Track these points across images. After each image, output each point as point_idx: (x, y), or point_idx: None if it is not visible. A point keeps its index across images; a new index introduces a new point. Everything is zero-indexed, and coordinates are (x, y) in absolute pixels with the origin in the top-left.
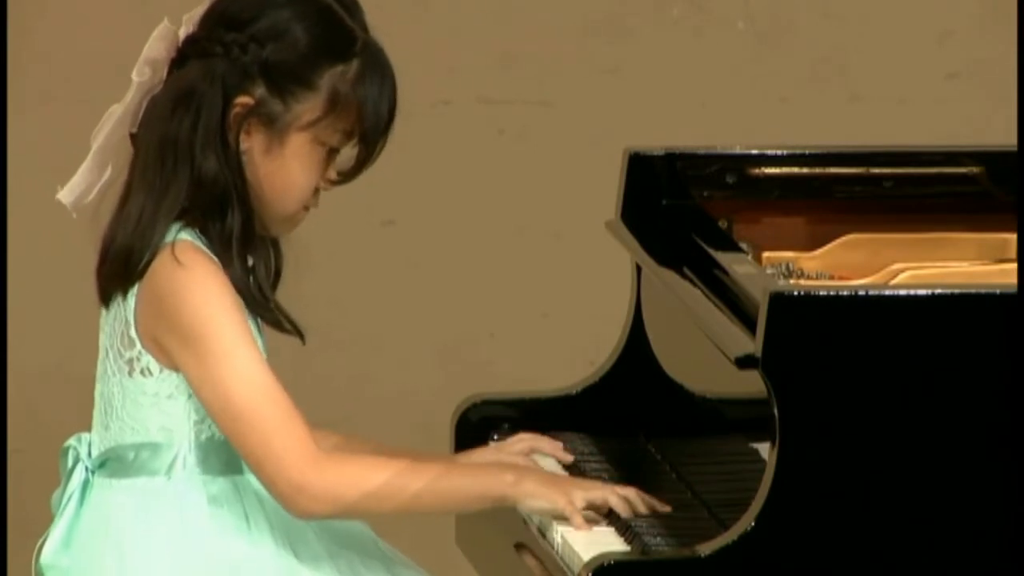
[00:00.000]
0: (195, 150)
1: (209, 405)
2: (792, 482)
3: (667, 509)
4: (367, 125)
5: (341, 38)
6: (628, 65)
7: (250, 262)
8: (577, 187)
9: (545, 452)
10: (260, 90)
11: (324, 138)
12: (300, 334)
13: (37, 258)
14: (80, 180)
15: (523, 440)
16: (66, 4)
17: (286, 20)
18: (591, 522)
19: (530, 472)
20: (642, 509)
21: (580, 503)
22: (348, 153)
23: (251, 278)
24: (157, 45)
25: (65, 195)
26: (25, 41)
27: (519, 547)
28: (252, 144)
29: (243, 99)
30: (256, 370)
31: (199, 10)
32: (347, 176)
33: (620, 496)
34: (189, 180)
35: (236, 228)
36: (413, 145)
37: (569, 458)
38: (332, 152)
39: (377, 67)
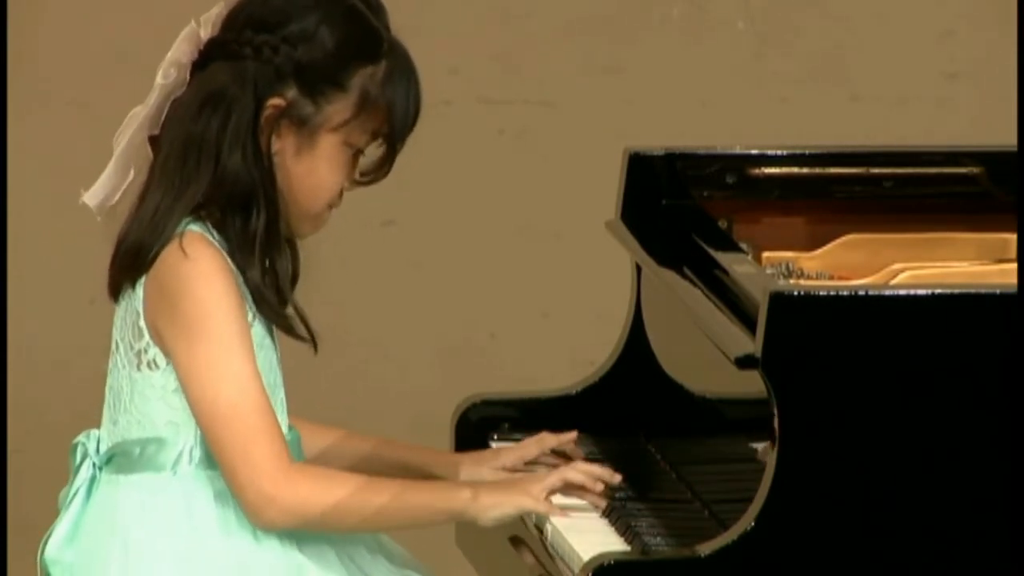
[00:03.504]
0: (222, 150)
1: (194, 402)
2: (792, 482)
3: (619, 478)
4: (395, 125)
5: (369, 39)
6: (628, 65)
7: (267, 263)
8: (577, 187)
9: (552, 447)
10: (292, 92)
11: (352, 139)
12: (314, 342)
13: (37, 259)
14: (105, 183)
15: (530, 445)
16: (66, 5)
17: (316, 22)
18: (570, 508)
19: (486, 486)
20: (607, 477)
21: (542, 495)
22: (369, 152)
23: (267, 280)
24: (183, 47)
25: (90, 198)
26: (25, 41)
27: (515, 541)
28: (283, 146)
29: (275, 101)
30: (245, 375)
31: (216, 11)
32: (375, 176)
33: (577, 471)
34: (211, 179)
35: (260, 229)
36: (413, 145)
37: (576, 452)
38: (358, 153)
39: (403, 67)
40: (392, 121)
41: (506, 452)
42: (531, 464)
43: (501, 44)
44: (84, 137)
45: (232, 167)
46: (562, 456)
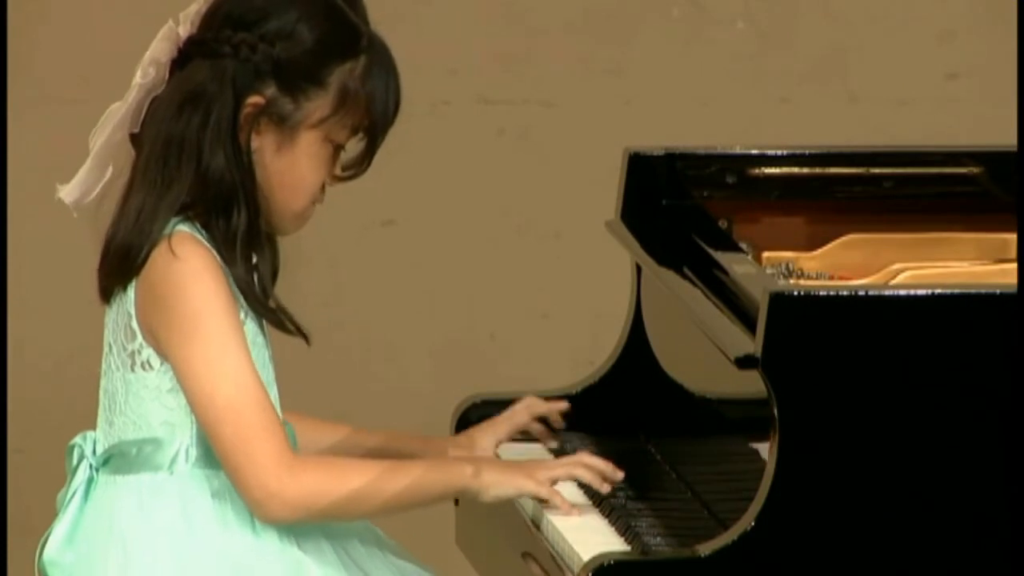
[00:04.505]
0: (203, 149)
1: (192, 401)
2: (792, 482)
3: (620, 475)
4: (375, 119)
5: (348, 35)
6: (628, 65)
7: (254, 260)
8: (577, 187)
9: (542, 412)
10: (271, 90)
11: (333, 135)
12: (304, 335)
13: (37, 259)
14: (82, 180)
15: (520, 412)
16: (66, 5)
17: (294, 20)
18: (576, 506)
19: (489, 463)
20: (610, 474)
21: (545, 482)
22: (351, 147)
23: (254, 277)
24: (161, 46)
25: (67, 194)
26: (25, 41)
27: (525, 556)
28: (263, 143)
29: (254, 99)
30: (243, 371)
31: (195, 8)
32: (355, 171)
33: (585, 467)
34: (194, 178)
35: (242, 227)
36: (413, 145)
37: (560, 423)
38: (339, 148)
39: (382, 61)
40: (372, 115)
41: (499, 424)
42: (526, 434)
43: (501, 44)
44: (84, 137)
45: (215, 167)
46: (547, 424)
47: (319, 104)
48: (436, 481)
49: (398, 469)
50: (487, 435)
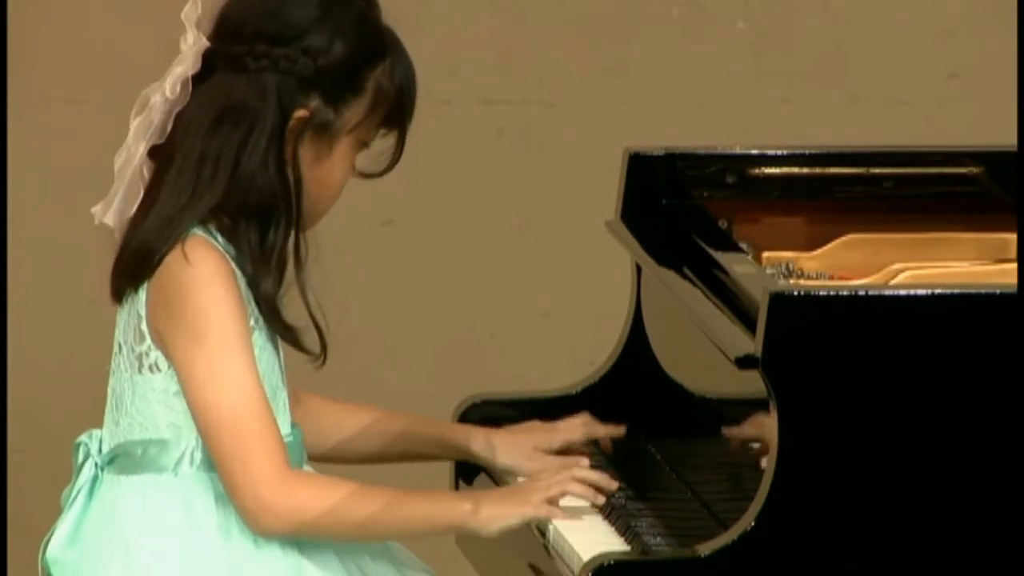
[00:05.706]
0: (241, 164)
1: (193, 406)
2: (792, 482)
3: (616, 486)
4: (405, 109)
5: (377, 38)
6: (628, 65)
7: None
8: (577, 187)
9: (598, 435)
10: (315, 102)
11: (364, 136)
12: (324, 356)
13: (37, 259)
14: (120, 203)
15: (576, 428)
16: (66, 5)
17: (330, 31)
18: (578, 511)
19: (487, 497)
20: (603, 484)
21: (542, 504)
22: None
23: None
24: (192, 60)
25: (111, 218)
26: (25, 41)
27: (534, 569)
28: (303, 154)
29: (301, 112)
30: (246, 381)
31: (192, 10)
32: (390, 164)
33: (576, 482)
34: (226, 190)
35: (279, 243)
36: (413, 145)
37: (609, 450)
38: (364, 146)
39: (400, 53)
40: (403, 104)
41: (550, 434)
42: (563, 453)
43: (501, 44)
44: (84, 137)
45: (247, 175)
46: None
47: (357, 110)
48: (433, 514)
49: (395, 499)
50: (524, 437)
